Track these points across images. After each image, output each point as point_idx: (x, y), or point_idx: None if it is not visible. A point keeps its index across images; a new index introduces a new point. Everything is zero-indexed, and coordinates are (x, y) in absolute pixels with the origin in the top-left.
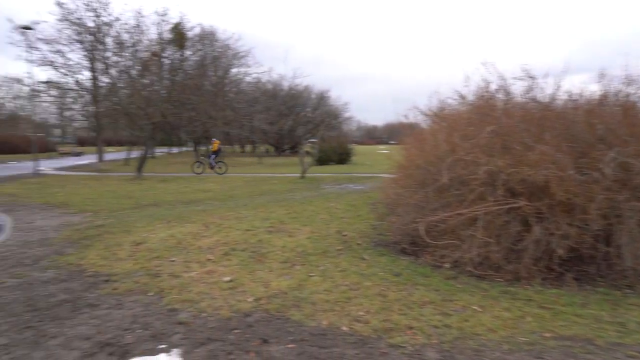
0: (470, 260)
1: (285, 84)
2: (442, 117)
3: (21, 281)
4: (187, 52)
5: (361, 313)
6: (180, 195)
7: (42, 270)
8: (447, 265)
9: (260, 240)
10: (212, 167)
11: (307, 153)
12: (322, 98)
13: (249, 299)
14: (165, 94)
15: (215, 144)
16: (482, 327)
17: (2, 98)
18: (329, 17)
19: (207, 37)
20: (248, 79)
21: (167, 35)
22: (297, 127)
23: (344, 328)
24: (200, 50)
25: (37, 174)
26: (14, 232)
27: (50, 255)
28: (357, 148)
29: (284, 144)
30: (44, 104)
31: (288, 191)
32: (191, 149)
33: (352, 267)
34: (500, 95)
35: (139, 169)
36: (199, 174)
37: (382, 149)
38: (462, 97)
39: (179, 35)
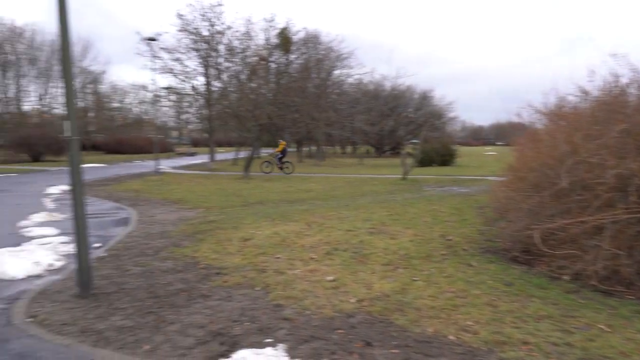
0: (595, 273)
1: (388, 84)
2: (561, 116)
3: (144, 269)
4: (292, 56)
5: (469, 323)
6: (284, 194)
7: (161, 260)
8: (566, 277)
9: (362, 241)
10: (280, 168)
11: (409, 154)
12: (425, 98)
13: (352, 300)
14: (271, 96)
15: (281, 145)
16: (612, 350)
17: (130, 103)
18: (434, 15)
19: (311, 40)
20: (350, 80)
21: (274, 40)
22: (399, 127)
23: (451, 337)
24: (304, 53)
25: (157, 172)
26: (138, 224)
27: (169, 247)
28: (462, 149)
29: (385, 145)
30: (164, 108)
31: (389, 192)
32: (294, 149)
33: (459, 273)
34: (634, 90)
35: (246, 168)
36: (267, 173)
37: (489, 150)
38: (585, 93)
39: (285, 39)
